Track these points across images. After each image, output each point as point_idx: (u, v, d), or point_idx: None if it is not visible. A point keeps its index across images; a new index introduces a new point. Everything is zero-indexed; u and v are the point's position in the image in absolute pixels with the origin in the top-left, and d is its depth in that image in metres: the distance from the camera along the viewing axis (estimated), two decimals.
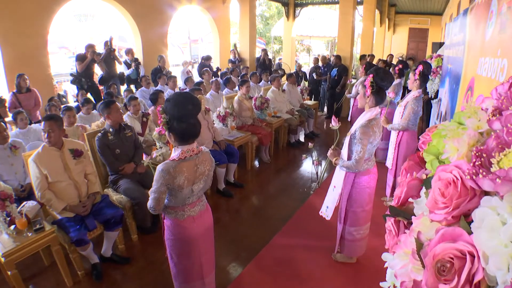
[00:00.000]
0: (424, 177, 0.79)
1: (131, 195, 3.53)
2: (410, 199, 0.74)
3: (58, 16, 6.61)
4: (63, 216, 3.05)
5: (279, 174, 5.69)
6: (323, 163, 5.56)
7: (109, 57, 7.19)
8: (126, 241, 3.64)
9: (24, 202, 3.06)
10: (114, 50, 7.29)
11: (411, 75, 4.14)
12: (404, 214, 0.77)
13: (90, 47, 6.83)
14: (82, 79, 6.65)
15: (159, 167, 2.10)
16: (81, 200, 3.20)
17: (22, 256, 2.67)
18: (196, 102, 2.11)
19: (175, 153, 2.18)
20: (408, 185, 0.79)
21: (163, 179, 2.08)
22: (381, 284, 1.10)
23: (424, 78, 4.06)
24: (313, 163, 5.08)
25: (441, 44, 7.15)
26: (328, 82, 9.00)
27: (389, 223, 0.79)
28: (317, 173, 5.12)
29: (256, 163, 6.07)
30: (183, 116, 2.07)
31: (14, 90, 5.51)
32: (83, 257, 3.19)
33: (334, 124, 2.98)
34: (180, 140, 2.14)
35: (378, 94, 2.75)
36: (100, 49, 7.48)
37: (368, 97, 2.78)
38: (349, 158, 2.86)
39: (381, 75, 2.70)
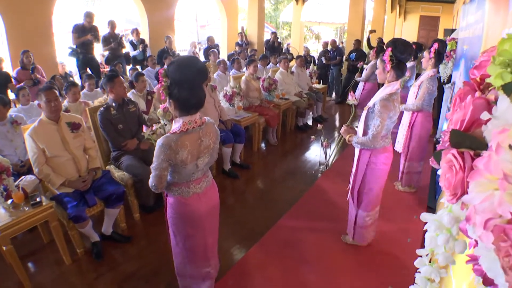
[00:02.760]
0: (492, 97, 0.63)
1: (133, 171, 3.41)
2: (485, 115, 0.58)
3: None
4: (62, 192, 2.93)
5: (286, 156, 5.54)
6: (333, 145, 5.41)
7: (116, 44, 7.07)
8: (128, 219, 3.52)
9: (23, 176, 2.95)
10: (122, 37, 7.20)
11: (425, 53, 3.96)
12: (472, 139, 0.61)
13: (88, 16, 6.49)
14: (79, 50, 6.44)
15: (159, 141, 1.91)
16: (80, 175, 3.08)
17: (18, 230, 2.57)
18: (202, 67, 1.91)
19: (175, 125, 1.98)
20: (474, 104, 0.63)
21: (164, 155, 1.90)
22: (417, 251, 0.96)
23: (439, 57, 3.88)
24: (321, 145, 4.93)
25: (453, 31, 6.91)
26: (341, 65, 8.85)
27: (450, 156, 0.63)
28: (325, 155, 4.97)
29: (263, 145, 5.93)
30: (186, 82, 1.87)
31: (19, 68, 5.40)
32: (83, 235, 3.09)
33: (351, 98, 2.84)
34: (181, 109, 1.94)
35: (398, 67, 2.58)
36: (103, 24, 7.33)
37: (388, 72, 2.61)
38: (364, 133, 2.69)
39: (400, 48, 2.54)
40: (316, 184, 4.46)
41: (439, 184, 0.73)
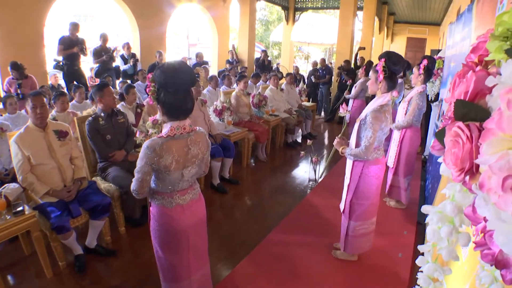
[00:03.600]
0: (494, 69, 0.63)
1: (119, 183, 3.33)
2: (490, 81, 0.56)
3: (58, 16, 6.38)
4: (46, 201, 2.85)
5: (276, 172, 5.52)
6: (322, 162, 5.41)
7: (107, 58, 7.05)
8: (113, 233, 3.43)
9: (6, 184, 2.87)
10: (114, 51, 7.16)
11: (415, 69, 4.02)
12: (477, 108, 0.60)
13: (73, 26, 6.39)
14: (61, 62, 6.35)
15: (144, 144, 1.87)
16: (66, 185, 3.00)
17: None
18: (188, 72, 1.88)
19: (164, 129, 1.94)
20: (477, 76, 0.61)
21: (147, 157, 1.85)
22: (419, 247, 0.93)
23: (428, 73, 3.94)
24: (311, 160, 4.92)
25: (439, 51, 7.09)
26: (330, 84, 8.98)
27: (455, 128, 0.61)
28: (315, 171, 4.96)
29: (252, 161, 5.90)
30: (172, 86, 1.84)
31: (10, 77, 5.32)
32: (66, 248, 2.97)
33: (342, 111, 2.85)
34: (169, 114, 1.91)
35: (391, 79, 2.60)
36: (94, 39, 7.31)
37: (380, 82, 2.63)
38: (357, 145, 2.70)
39: (394, 59, 2.56)
40: (306, 199, 4.43)
41: (442, 166, 0.71)
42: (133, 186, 1.98)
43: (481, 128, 0.57)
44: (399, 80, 5.59)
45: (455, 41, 4.36)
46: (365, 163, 2.72)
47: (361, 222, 2.89)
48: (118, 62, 7.67)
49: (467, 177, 0.62)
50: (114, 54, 7.23)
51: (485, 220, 0.56)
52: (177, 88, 1.86)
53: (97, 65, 7.13)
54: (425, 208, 0.85)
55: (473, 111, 0.61)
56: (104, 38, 7.06)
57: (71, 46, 6.29)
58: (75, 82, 6.30)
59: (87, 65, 9.14)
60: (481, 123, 0.58)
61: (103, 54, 6.96)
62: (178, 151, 1.92)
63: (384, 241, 3.40)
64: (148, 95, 4.73)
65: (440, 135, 0.68)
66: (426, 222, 0.86)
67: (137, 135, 2.43)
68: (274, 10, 22.58)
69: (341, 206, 3.00)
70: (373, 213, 2.91)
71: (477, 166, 0.59)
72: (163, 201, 2.04)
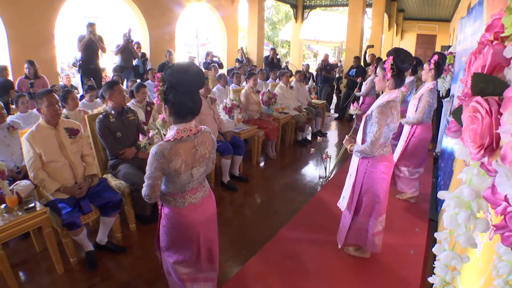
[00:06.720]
0: (510, 43, 0.60)
1: (130, 180, 3.34)
2: (509, 51, 0.54)
3: (68, 17, 6.47)
4: (57, 198, 2.87)
5: (286, 170, 5.49)
6: (332, 159, 5.36)
7: (127, 49, 7.10)
8: (124, 230, 3.44)
9: (18, 181, 2.90)
10: (132, 41, 7.20)
11: (425, 65, 3.98)
12: (496, 81, 0.58)
13: (91, 26, 6.42)
14: (79, 62, 6.42)
15: (152, 150, 1.85)
16: (77, 182, 3.02)
17: (10, 235, 2.49)
18: (199, 73, 1.86)
19: (170, 132, 1.93)
20: (494, 49, 0.59)
21: (157, 163, 1.84)
22: (436, 235, 0.90)
23: (439, 69, 3.89)
24: (321, 157, 4.89)
25: (449, 47, 7.00)
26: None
27: (474, 103, 0.58)
28: (325, 168, 4.92)
29: (262, 159, 5.88)
30: (182, 86, 1.82)
31: (22, 76, 5.40)
32: (77, 244, 3.00)
33: (353, 108, 2.83)
34: (176, 115, 1.88)
35: (398, 76, 2.58)
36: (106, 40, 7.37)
37: (387, 80, 2.60)
38: (363, 142, 2.68)
39: (402, 57, 2.53)
40: (316, 196, 4.40)
41: (459, 149, 0.69)
42: (144, 191, 1.96)
43: (500, 102, 0.55)
44: (411, 78, 5.51)
45: (466, 36, 4.29)
46: (371, 160, 2.69)
47: (379, 219, 2.86)
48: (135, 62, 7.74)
49: (485, 158, 0.60)
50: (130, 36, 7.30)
51: (506, 199, 0.54)
52: (188, 89, 1.84)
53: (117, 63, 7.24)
54: (441, 194, 0.83)
55: (491, 85, 0.58)
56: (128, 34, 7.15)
57: (92, 46, 6.36)
58: (92, 79, 6.35)
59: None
60: (500, 97, 0.56)
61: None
62: (186, 153, 1.91)
63: (396, 238, 3.36)
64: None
65: (457, 113, 0.66)
66: (439, 216, 0.84)
67: (140, 139, 2.42)
68: (281, 9, 22.55)
69: (343, 204, 2.96)
70: (381, 211, 2.85)
71: (497, 141, 0.57)
72: (175, 202, 2.03)
